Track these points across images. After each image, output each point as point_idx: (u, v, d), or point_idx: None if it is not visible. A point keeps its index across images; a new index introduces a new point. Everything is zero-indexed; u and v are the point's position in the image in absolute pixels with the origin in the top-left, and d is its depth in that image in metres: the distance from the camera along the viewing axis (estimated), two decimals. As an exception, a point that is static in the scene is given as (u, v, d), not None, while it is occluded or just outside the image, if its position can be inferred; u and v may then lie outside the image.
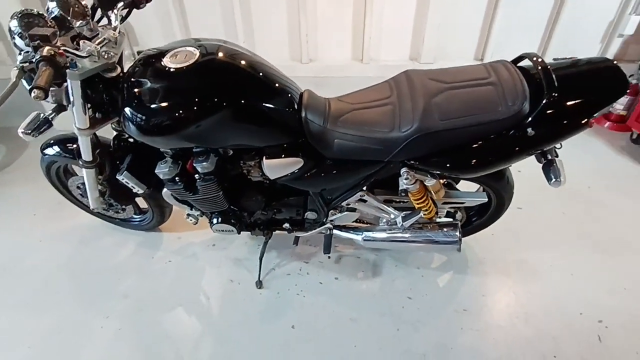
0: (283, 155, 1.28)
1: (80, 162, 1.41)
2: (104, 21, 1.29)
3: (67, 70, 1.09)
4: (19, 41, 1.06)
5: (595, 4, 2.55)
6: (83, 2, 1.20)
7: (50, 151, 1.59)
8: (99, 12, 1.27)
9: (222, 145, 1.26)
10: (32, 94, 0.85)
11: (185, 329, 1.51)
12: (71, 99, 1.18)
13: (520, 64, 1.25)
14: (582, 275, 1.67)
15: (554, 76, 1.10)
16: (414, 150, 1.20)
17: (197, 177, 1.31)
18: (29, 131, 1.19)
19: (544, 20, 2.66)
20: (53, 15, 1.13)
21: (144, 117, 1.15)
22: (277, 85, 1.23)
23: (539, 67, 1.14)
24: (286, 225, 1.60)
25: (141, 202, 1.80)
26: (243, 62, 1.20)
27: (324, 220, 1.55)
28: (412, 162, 1.24)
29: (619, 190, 2.12)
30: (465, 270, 1.71)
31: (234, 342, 1.47)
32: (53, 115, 1.22)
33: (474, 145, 1.17)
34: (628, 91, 2.47)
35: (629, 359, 1.37)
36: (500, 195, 1.48)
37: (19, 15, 1.05)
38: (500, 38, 2.66)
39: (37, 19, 1.08)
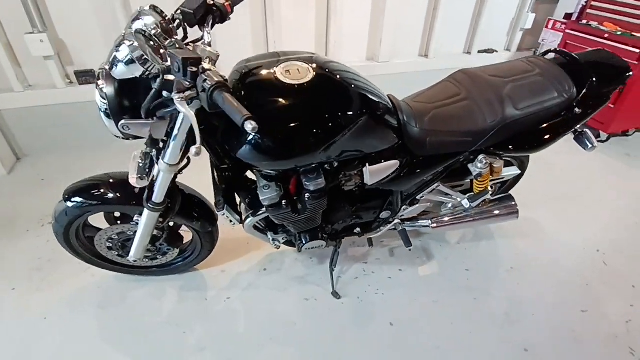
0: (383, 160, 1.32)
1: (149, 205, 1.20)
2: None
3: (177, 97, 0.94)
4: (132, 66, 0.88)
5: (502, 5, 3.14)
6: (167, 18, 1.04)
7: (77, 201, 1.29)
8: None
9: (338, 159, 1.23)
10: (249, 127, 0.73)
11: (290, 360, 1.42)
12: (175, 132, 1.02)
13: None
14: (571, 221, 2.10)
15: (585, 65, 1.41)
16: (496, 138, 1.37)
17: (307, 196, 1.25)
18: (144, 175, 0.97)
19: (468, 21, 3.16)
20: (153, 34, 0.95)
21: (272, 140, 1.06)
22: (380, 93, 1.26)
23: (568, 59, 1.44)
24: (357, 230, 1.62)
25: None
26: (350, 75, 1.20)
27: (394, 217, 1.62)
28: (490, 148, 1.42)
29: (562, 154, 2.66)
30: (493, 236, 1.99)
31: (346, 355, 1.45)
32: (154, 152, 1.02)
33: (540, 127, 1.40)
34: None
35: (631, 273, 1.82)
36: (524, 166, 1.78)
37: (136, 33, 0.87)
38: (439, 37, 3.07)
39: (146, 39, 0.91)
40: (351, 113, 1.12)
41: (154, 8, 1.01)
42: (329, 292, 1.66)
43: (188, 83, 0.82)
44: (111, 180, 1.31)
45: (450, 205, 1.68)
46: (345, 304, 1.63)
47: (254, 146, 1.07)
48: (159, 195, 1.19)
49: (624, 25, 2.62)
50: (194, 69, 0.80)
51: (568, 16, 3.01)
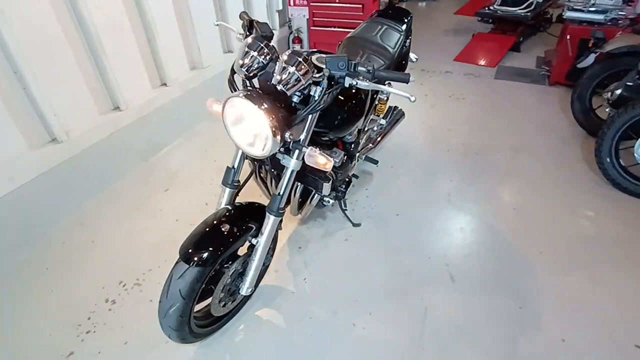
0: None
1: (279, 212, 1.37)
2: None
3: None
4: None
5: (258, -4, 3.87)
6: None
7: (207, 257, 1.23)
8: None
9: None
10: (412, 79, 1.16)
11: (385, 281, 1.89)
12: (307, 134, 1.27)
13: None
14: (419, 116, 3.26)
15: (397, 15, 2.36)
16: (396, 70, 2.16)
17: (351, 148, 1.68)
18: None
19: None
20: None
21: (355, 113, 1.47)
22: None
23: (389, 14, 2.36)
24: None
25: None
26: None
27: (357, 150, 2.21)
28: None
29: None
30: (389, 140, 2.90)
31: (398, 240, 2.03)
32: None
33: (401, 57, 2.28)
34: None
35: (470, 133, 3.14)
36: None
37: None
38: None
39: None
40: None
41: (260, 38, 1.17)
42: (351, 227, 2.14)
43: (352, 73, 1.14)
44: (215, 222, 1.30)
45: (375, 127, 2.41)
46: (366, 224, 2.16)
47: (345, 120, 1.43)
48: (284, 197, 1.34)
49: (344, -8, 3.89)
50: (354, 62, 1.13)
51: (306, -7, 4.06)
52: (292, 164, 1.29)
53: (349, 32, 2.28)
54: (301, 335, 1.61)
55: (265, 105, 1.12)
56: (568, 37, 3.37)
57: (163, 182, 2.53)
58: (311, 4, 3.98)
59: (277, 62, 1.17)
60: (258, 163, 1.48)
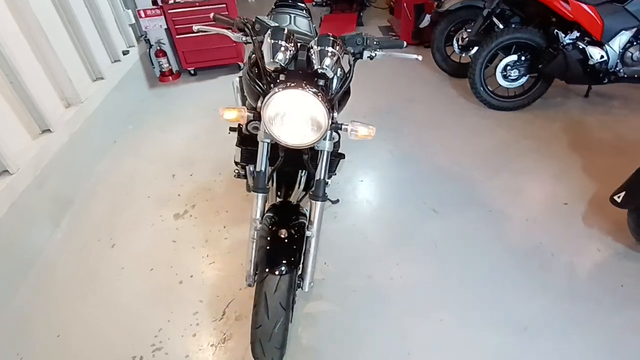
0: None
1: (326, 195, 1.40)
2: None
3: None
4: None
5: (106, 14, 3.39)
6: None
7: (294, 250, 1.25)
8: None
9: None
10: (404, 44, 1.34)
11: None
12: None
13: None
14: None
15: (295, 3, 2.50)
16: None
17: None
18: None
19: (98, 38, 3.24)
20: None
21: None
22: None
23: (284, 5, 2.48)
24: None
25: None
26: None
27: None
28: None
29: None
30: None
31: (376, 199, 2.26)
32: None
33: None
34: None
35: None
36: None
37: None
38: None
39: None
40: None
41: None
42: (332, 205, 2.24)
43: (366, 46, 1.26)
44: (272, 231, 1.26)
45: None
46: (342, 198, 2.30)
47: (343, 99, 1.53)
48: (325, 180, 1.37)
49: (202, -6, 3.75)
50: (367, 37, 1.25)
51: (155, 2, 3.73)
52: (327, 145, 1.33)
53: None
54: (356, 309, 1.69)
55: (313, 89, 1.14)
56: (405, 5, 4.09)
57: (103, 239, 2.13)
58: (169, 11, 3.71)
59: (310, 50, 1.19)
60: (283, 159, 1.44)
